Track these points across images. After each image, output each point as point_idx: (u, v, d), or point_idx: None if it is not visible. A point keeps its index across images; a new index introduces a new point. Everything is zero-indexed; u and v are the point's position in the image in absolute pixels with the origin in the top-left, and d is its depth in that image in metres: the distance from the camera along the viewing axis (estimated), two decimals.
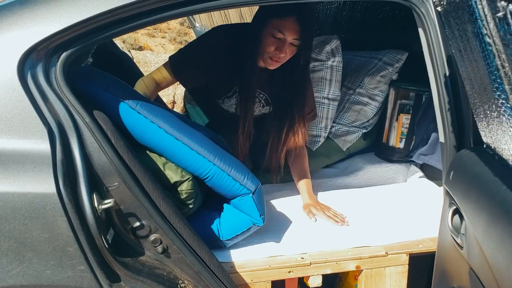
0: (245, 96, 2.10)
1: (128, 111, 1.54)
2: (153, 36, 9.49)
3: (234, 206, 1.74)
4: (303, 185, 2.11)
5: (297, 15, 1.90)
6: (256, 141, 2.24)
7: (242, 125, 2.09)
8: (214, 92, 2.21)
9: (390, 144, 2.48)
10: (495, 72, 0.86)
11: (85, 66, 1.81)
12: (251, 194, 1.66)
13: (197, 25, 4.33)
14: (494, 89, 0.90)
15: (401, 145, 2.44)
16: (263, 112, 2.27)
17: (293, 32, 1.92)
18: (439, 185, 2.16)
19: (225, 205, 1.83)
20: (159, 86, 2.14)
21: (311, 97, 2.24)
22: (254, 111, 2.15)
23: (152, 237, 1.41)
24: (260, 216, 1.69)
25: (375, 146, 2.60)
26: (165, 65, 2.15)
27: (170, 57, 2.14)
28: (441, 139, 1.57)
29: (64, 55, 1.34)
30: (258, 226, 1.71)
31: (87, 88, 1.53)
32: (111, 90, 1.54)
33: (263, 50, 1.96)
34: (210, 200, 1.92)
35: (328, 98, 2.41)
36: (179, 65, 2.11)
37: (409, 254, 1.79)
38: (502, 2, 0.70)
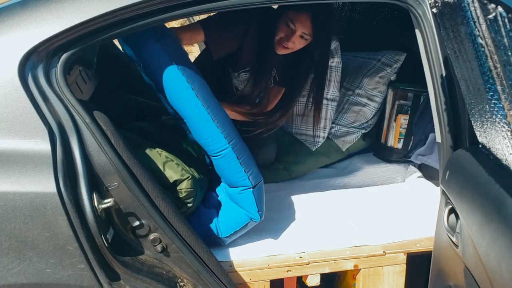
0: (261, 71, 2.20)
1: (171, 67, 1.57)
2: None
3: (233, 200, 1.76)
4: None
5: (312, 13, 2.00)
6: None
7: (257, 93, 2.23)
8: (233, 63, 2.25)
9: (389, 145, 2.49)
10: (488, 73, 0.87)
11: None
12: (251, 188, 1.69)
13: None
14: (487, 90, 0.91)
15: (400, 146, 2.45)
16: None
17: (304, 26, 2.02)
18: (437, 185, 2.17)
19: (223, 201, 1.85)
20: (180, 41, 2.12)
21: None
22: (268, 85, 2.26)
23: (152, 236, 1.42)
24: (258, 211, 1.71)
25: (374, 146, 2.61)
26: (194, 24, 2.19)
27: (200, 21, 2.17)
28: (438, 139, 1.58)
29: (64, 56, 1.35)
30: (255, 222, 1.73)
31: (136, 34, 1.55)
32: (161, 42, 1.57)
33: (275, 35, 2.08)
34: (208, 198, 1.93)
35: (327, 99, 2.42)
36: (212, 26, 2.13)
37: (407, 253, 1.80)
38: (492, 4, 0.72)
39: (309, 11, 2.00)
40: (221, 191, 1.92)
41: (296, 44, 2.07)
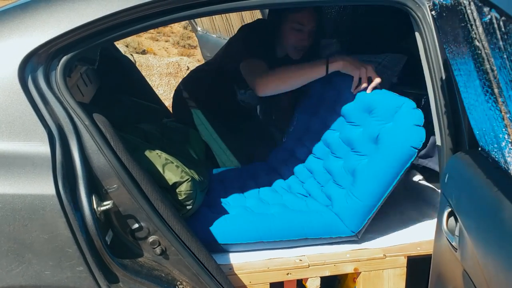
0: None
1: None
2: (157, 40, 9.53)
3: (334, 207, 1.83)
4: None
5: (313, 6, 2.04)
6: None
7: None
8: (240, 80, 2.26)
9: None
10: (485, 75, 0.87)
11: None
12: (350, 232, 1.78)
13: (198, 29, 4.36)
14: (485, 93, 0.91)
15: None
16: None
17: (312, 20, 2.05)
18: (439, 188, 2.17)
19: (239, 210, 1.85)
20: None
21: None
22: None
23: (151, 238, 1.43)
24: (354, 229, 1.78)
25: None
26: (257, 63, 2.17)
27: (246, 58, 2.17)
28: (438, 142, 1.58)
29: (64, 58, 1.36)
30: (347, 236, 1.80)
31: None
32: None
33: (287, 43, 2.09)
34: (217, 204, 1.93)
35: None
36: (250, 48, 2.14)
37: (407, 256, 1.79)
38: (487, 7, 0.72)
39: (310, 5, 2.00)
40: (235, 201, 1.92)
41: (309, 41, 2.08)
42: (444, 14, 1.04)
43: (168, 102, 5.19)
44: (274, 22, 2.11)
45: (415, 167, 2.46)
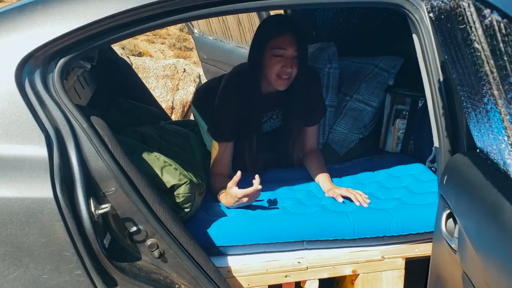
0: (250, 124, 2.14)
1: None
2: (153, 42, 9.53)
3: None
4: (323, 175, 2.12)
5: (291, 29, 2.00)
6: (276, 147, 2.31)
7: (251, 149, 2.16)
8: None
9: (387, 149, 2.49)
10: (484, 77, 0.87)
11: None
12: None
13: (195, 31, 4.35)
14: (484, 95, 0.91)
15: (398, 150, 2.45)
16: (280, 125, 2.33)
17: (293, 44, 1.99)
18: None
19: (236, 214, 1.84)
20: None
21: (319, 95, 2.32)
22: (259, 134, 2.19)
23: (149, 241, 1.42)
24: None
25: (372, 151, 2.60)
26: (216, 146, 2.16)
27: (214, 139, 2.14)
28: (436, 143, 1.58)
29: (62, 61, 1.36)
30: None
31: None
32: None
33: (270, 73, 2.01)
34: (214, 207, 1.91)
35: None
36: (221, 131, 2.13)
37: (406, 258, 1.80)
38: (487, 9, 0.72)
39: (288, 29, 1.99)
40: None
41: (294, 68, 2.00)
42: (443, 16, 1.04)
43: (165, 104, 5.19)
44: (256, 57, 2.06)
45: None
